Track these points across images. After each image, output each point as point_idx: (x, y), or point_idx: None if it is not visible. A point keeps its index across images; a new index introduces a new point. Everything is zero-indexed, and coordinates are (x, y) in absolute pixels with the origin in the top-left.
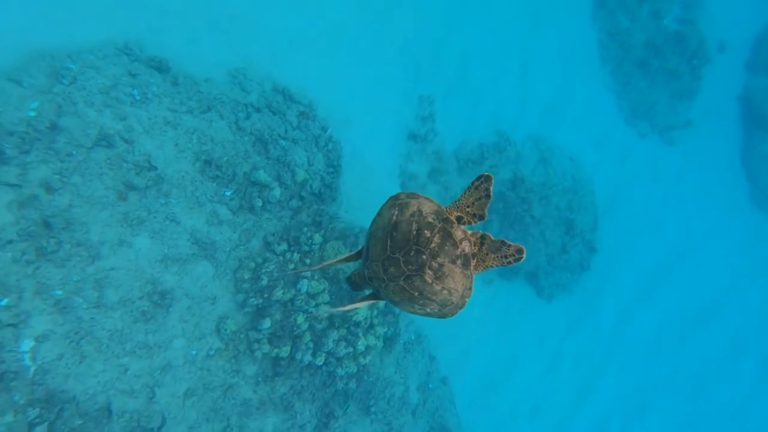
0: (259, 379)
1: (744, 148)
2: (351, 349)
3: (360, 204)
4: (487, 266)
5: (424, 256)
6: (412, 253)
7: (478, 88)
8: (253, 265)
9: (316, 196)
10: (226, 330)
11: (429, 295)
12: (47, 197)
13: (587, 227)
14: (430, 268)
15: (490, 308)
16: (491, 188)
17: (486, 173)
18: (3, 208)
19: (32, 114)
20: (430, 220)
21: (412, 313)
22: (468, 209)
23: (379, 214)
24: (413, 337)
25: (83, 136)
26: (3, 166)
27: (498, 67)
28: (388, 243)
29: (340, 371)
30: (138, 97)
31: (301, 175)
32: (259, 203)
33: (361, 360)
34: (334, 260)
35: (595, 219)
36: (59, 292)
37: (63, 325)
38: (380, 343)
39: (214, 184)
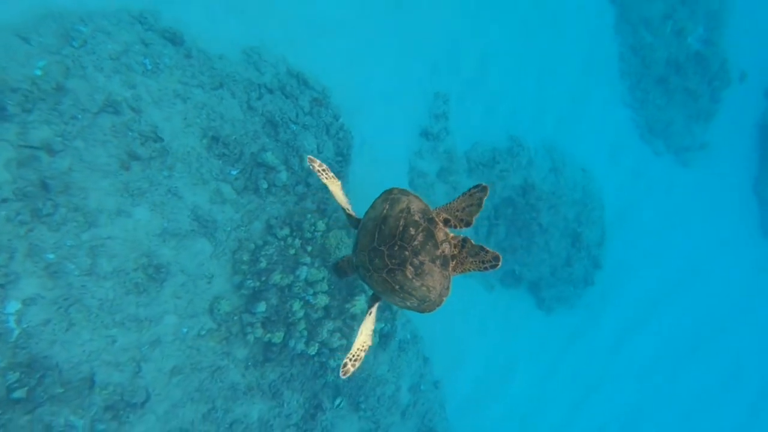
0: (249, 363)
1: (757, 176)
2: (345, 341)
3: (366, 195)
4: (465, 269)
5: (407, 252)
6: (396, 247)
7: (495, 91)
8: (252, 246)
9: (322, 184)
10: (219, 310)
11: (409, 290)
12: (47, 159)
13: (594, 242)
14: (411, 264)
15: (489, 315)
16: (484, 199)
17: (483, 184)
18: (1, 166)
19: (38, 73)
20: (417, 218)
21: (393, 303)
22: (457, 213)
23: (372, 205)
24: (409, 337)
25: (90, 101)
26: (3, 123)
27: (516, 71)
28: (376, 235)
29: (332, 363)
30: (149, 67)
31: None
32: (265, 185)
33: None
34: (346, 206)
35: (602, 234)
36: (51, 256)
37: (52, 290)
38: (375, 339)
39: (220, 162)
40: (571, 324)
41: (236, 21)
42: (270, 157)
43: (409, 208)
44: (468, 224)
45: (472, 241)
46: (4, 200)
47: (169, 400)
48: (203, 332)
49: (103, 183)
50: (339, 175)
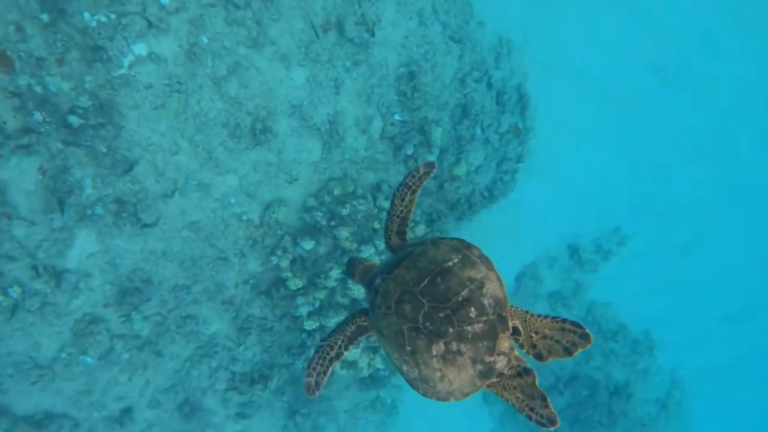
0: (250, 282)
1: None
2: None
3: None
4: (505, 397)
5: (451, 329)
6: (442, 314)
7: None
8: (350, 189)
9: (454, 197)
10: (273, 213)
11: (420, 363)
12: None
13: None
14: (445, 344)
15: None
16: (578, 353)
17: (589, 333)
18: None
19: None
20: (486, 303)
21: (385, 354)
22: (534, 335)
23: (435, 243)
24: (389, 402)
25: None
26: None
27: None
28: (425, 282)
29: (311, 352)
30: None
31: (460, 169)
32: (409, 151)
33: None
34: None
35: None
36: (205, 39)
37: (178, 66)
38: (362, 373)
39: (396, 98)
40: None
41: (523, 11)
42: (436, 134)
43: (482, 283)
44: (540, 358)
45: (537, 382)
46: None
47: (166, 242)
48: (244, 218)
49: (296, 25)
50: (470, 203)
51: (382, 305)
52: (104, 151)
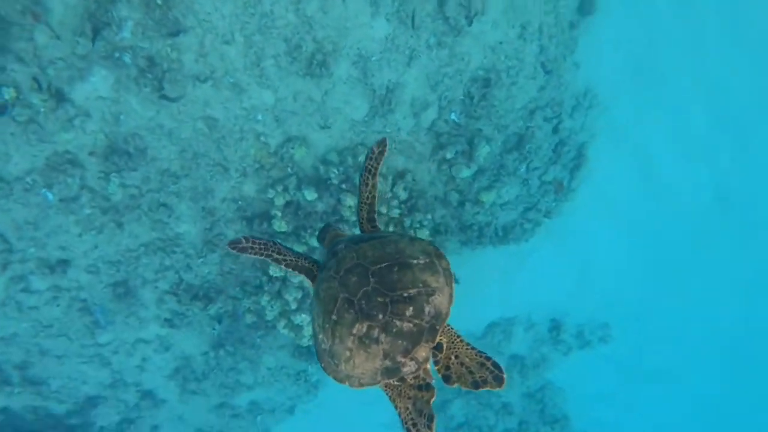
0: (238, 203)
1: None
2: (287, 322)
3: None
4: (396, 403)
5: (380, 317)
6: (381, 299)
7: None
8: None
9: (469, 221)
10: (291, 148)
11: (337, 335)
12: None
13: None
14: (368, 327)
15: None
16: (489, 389)
17: (503, 374)
18: None
19: None
20: (426, 309)
21: (311, 317)
22: (454, 359)
23: (412, 239)
24: (313, 380)
25: None
26: None
27: None
28: (382, 266)
29: (247, 318)
30: None
31: (488, 197)
32: (448, 155)
33: (280, 316)
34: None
35: None
36: None
37: None
38: (302, 341)
39: (461, 98)
40: None
41: (621, 75)
42: (481, 151)
43: (433, 292)
44: (447, 380)
45: (433, 401)
46: None
47: (178, 124)
48: (262, 139)
49: None
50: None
51: (332, 268)
52: (159, 2)
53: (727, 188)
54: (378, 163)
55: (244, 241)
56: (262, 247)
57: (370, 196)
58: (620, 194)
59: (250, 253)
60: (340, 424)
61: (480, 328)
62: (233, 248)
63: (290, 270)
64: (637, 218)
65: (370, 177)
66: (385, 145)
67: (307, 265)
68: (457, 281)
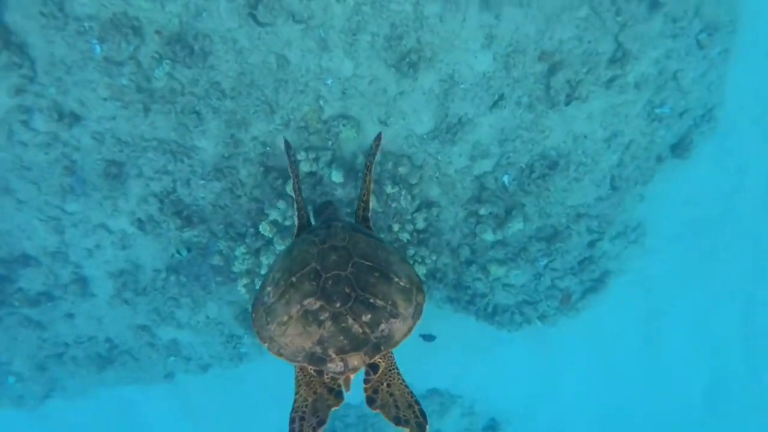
0: (267, 150)
1: None
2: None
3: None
4: (299, 391)
5: (338, 305)
6: (347, 291)
7: None
8: (413, 182)
9: (466, 282)
10: (342, 125)
11: (286, 296)
12: None
13: None
14: (320, 308)
15: None
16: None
17: (425, 427)
18: None
19: None
20: (381, 327)
21: (268, 268)
22: (386, 387)
23: (405, 260)
24: (243, 350)
25: None
26: None
27: None
28: (366, 264)
29: (215, 259)
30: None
31: (496, 271)
32: (481, 211)
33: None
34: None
35: None
36: None
37: None
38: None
39: (522, 167)
40: None
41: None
42: (514, 226)
43: (396, 316)
44: (371, 403)
45: (333, 410)
46: None
47: (251, 48)
48: (320, 102)
49: (528, 29)
50: None
51: (320, 236)
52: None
53: (726, 388)
54: (373, 157)
55: (290, 147)
56: (295, 167)
57: (365, 192)
58: (615, 341)
59: (290, 156)
60: (242, 407)
61: (422, 388)
62: (286, 142)
63: (296, 203)
64: (621, 373)
65: (367, 173)
66: (380, 140)
67: (306, 216)
68: (434, 337)
